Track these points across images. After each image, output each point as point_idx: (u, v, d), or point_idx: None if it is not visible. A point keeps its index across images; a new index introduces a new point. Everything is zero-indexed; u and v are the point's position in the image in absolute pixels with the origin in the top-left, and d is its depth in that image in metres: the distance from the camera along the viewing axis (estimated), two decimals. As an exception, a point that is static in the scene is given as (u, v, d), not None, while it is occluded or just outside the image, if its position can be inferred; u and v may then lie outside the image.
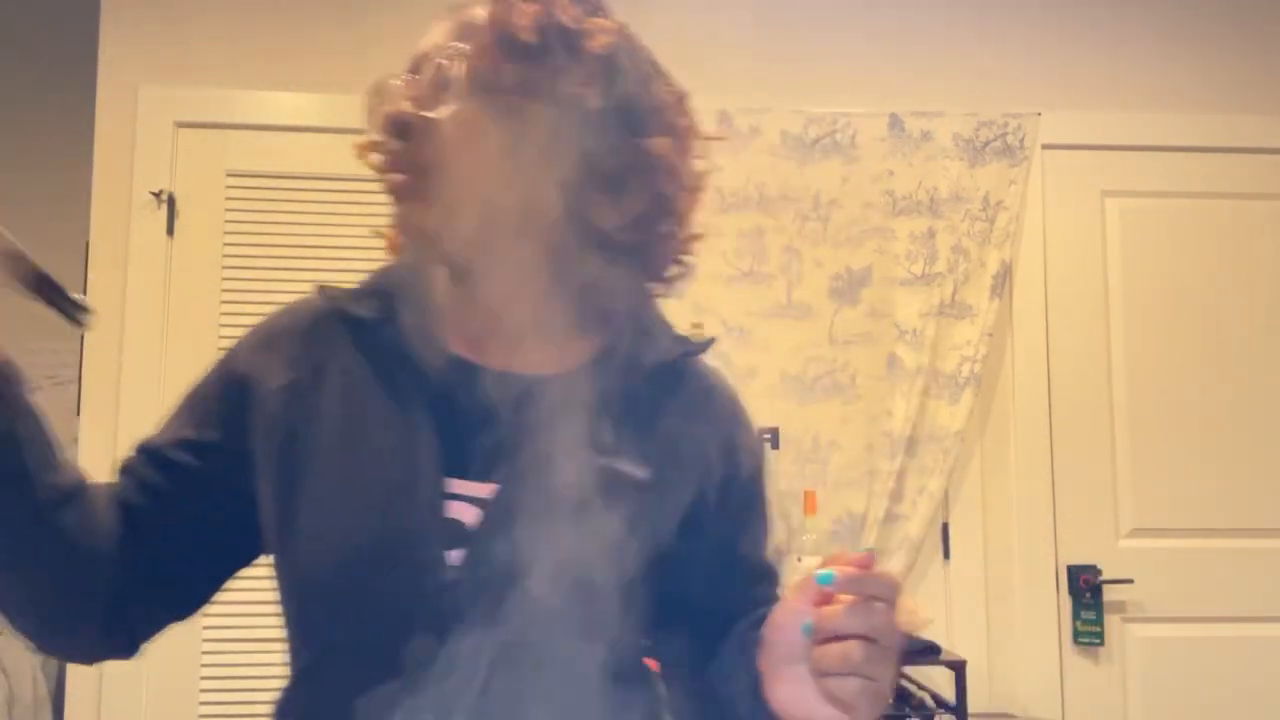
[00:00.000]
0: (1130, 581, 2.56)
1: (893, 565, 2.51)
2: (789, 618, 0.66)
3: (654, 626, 0.77)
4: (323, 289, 0.84)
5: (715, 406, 0.86)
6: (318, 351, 0.79)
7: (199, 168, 2.51)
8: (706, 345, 0.86)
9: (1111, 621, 2.57)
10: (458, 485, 0.73)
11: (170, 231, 2.48)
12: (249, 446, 0.78)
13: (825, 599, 0.63)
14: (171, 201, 2.48)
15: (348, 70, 2.57)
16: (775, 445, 2.46)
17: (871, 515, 2.53)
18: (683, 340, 0.85)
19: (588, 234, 0.75)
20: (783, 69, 2.68)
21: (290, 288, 2.82)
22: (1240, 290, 2.68)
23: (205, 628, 2.36)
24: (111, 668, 2.36)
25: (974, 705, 2.25)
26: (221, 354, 0.84)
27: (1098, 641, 2.54)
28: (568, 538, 0.71)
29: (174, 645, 2.42)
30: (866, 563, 0.63)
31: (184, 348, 2.46)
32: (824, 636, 0.62)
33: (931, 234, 2.61)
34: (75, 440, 2.48)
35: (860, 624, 0.61)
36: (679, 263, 0.84)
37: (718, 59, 2.67)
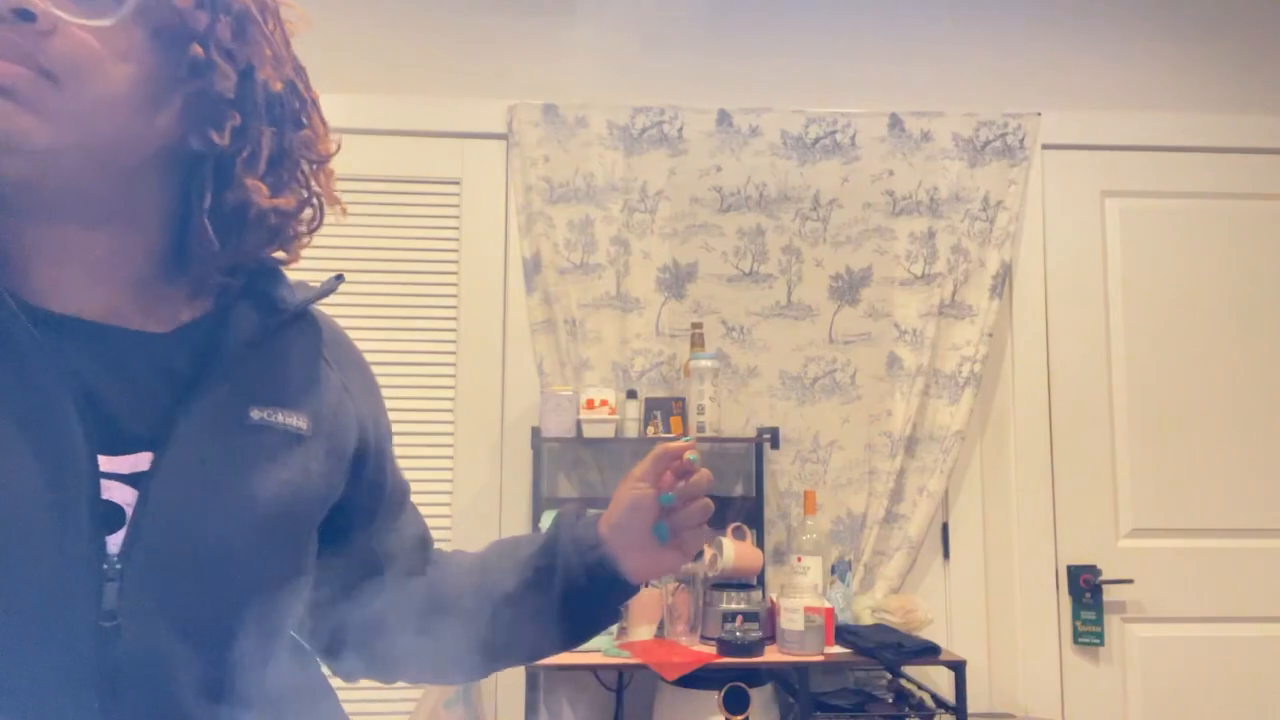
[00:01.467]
0: (1130, 581, 2.56)
1: (893, 565, 2.51)
2: (641, 501, 0.81)
3: (331, 578, 0.81)
4: None
5: (350, 353, 0.84)
6: None
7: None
8: (333, 287, 0.79)
9: (1111, 621, 2.57)
10: (105, 462, 0.63)
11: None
12: None
13: (667, 478, 0.82)
14: (171, 201, 2.47)
15: (348, 70, 2.58)
16: (775, 445, 2.46)
17: (871, 515, 2.53)
18: (305, 286, 0.80)
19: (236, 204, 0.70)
20: (783, 69, 2.69)
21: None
22: (1240, 290, 2.68)
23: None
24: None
25: (974, 705, 2.25)
26: None
27: (1098, 641, 2.54)
28: (237, 501, 0.66)
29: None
30: (692, 446, 0.81)
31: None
32: (683, 502, 0.81)
33: (931, 234, 2.61)
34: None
35: (706, 487, 0.82)
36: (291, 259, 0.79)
37: (717, 59, 2.68)
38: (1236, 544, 2.61)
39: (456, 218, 2.58)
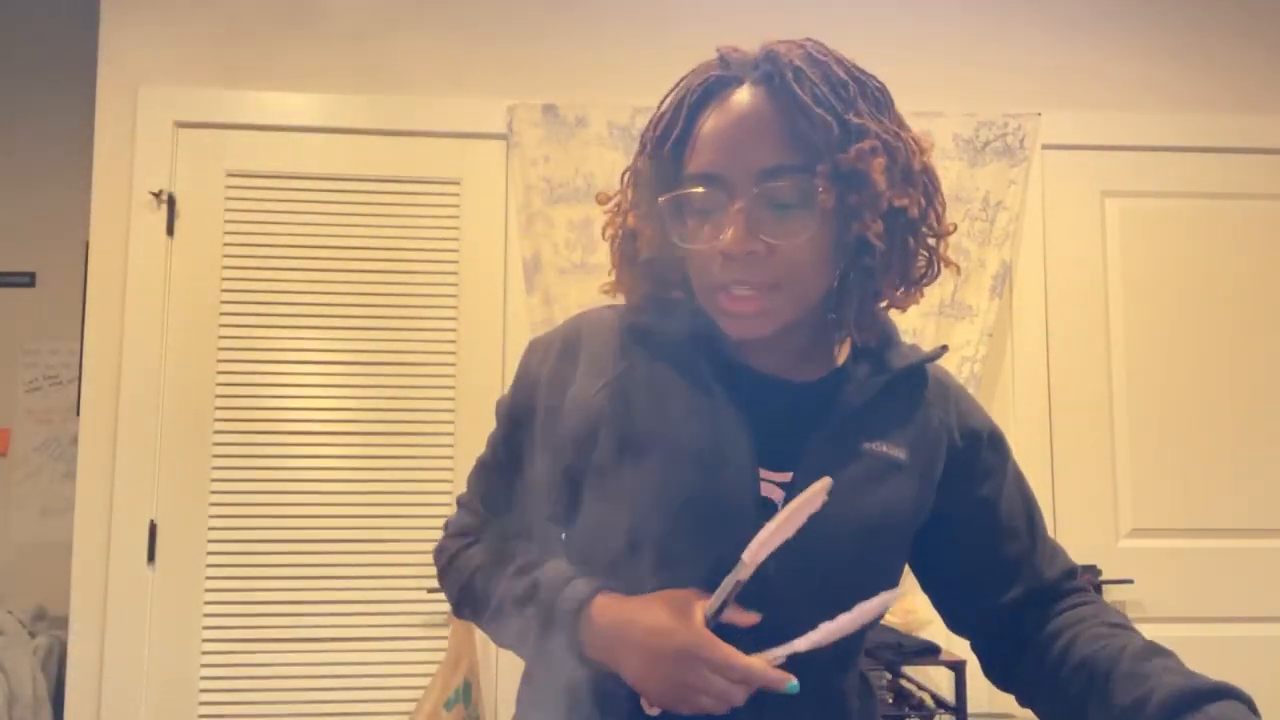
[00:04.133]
0: (1130, 581, 2.56)
1: (893, 565, 2.51)
2: None
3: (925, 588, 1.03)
4: (625, 308, 1.05)
5: (952, 396, 1.01)
6: (627, 358, 0.97)
7: (199, 168, 2.51)
8: (939, 354, 1.01)
9: (1111, 621, 2.56)
10: (763, 473, 0.89)
11: (170, 231, 2.48)
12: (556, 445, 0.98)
13: None
14: (171, 201, 2.48)
15: (348, 70, 2.58)
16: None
17: (871, 515, 2.52)
18: (917, 349, 1.01)
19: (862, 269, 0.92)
20: (783, 69, 2.68)
21: (290, 287, 2.81)
22: (1240, 290, 2.68)
23: (205, 628, 2.36)
24: (112, 667, 2.36)
25: (974, 705, 2.25)
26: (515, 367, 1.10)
27: (1098, 641, 2.53)
28: (849, 508, 0.88)
29: (174, 645, 2.42)
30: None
31: (184, 348, 2.46)
32: None
33: (931, 234, 2.60)
34: (75, 441, 2.49)
35: None
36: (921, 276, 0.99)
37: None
38: (1236, 544, 2.61)
39: (456, 218, 2.58)
